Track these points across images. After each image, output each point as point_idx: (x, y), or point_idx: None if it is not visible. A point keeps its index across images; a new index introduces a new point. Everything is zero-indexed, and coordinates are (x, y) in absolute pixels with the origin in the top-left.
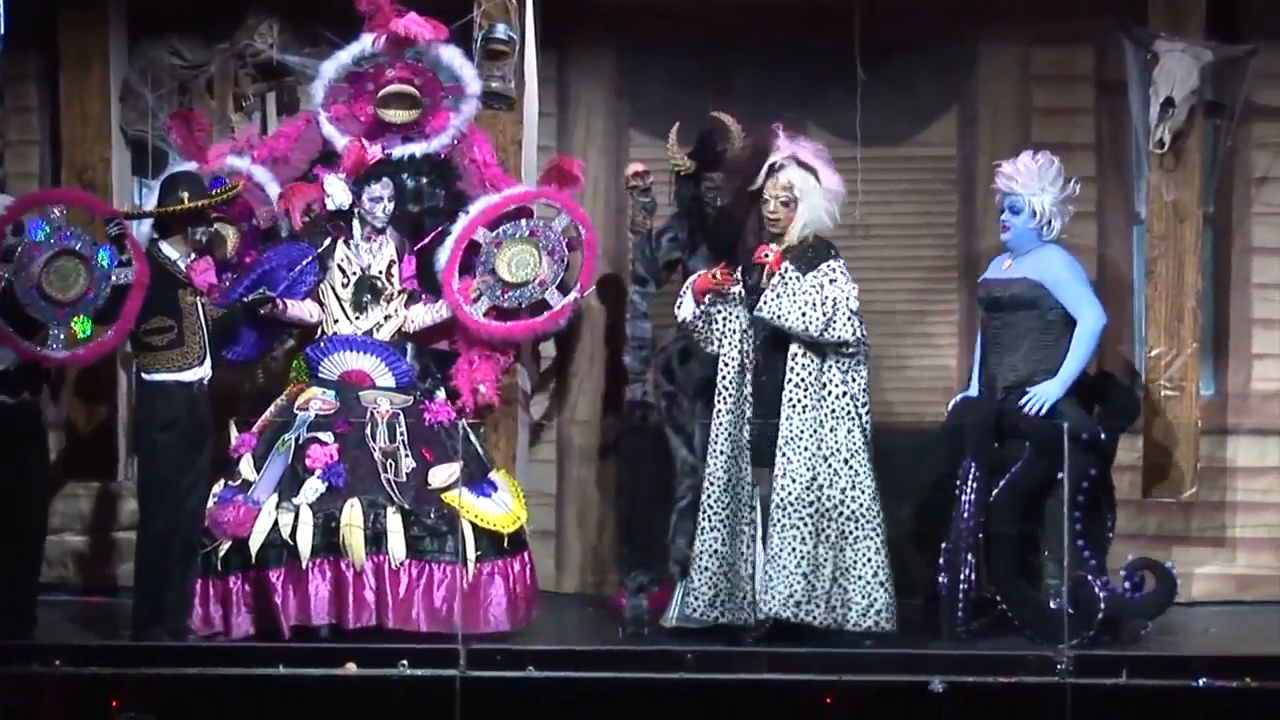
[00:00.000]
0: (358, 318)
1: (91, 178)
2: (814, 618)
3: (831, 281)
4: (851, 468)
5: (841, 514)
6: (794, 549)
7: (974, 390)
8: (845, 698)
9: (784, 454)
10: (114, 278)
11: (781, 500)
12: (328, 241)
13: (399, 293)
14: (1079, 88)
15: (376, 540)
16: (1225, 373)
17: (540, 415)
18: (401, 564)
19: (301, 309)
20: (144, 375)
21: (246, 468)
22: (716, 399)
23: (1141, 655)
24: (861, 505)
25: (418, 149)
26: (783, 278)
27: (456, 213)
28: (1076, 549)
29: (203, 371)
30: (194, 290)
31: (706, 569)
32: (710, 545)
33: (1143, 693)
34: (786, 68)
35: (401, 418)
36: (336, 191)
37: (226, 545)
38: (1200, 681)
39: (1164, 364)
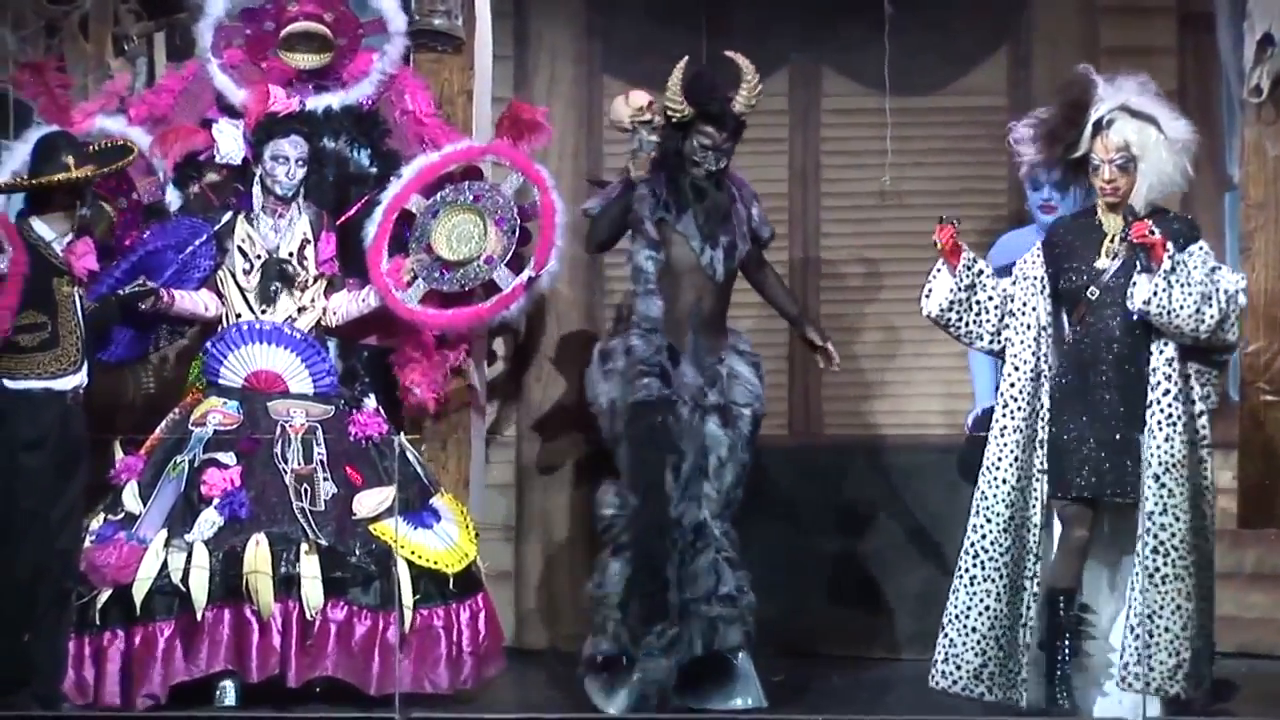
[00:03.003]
0: (264, 311)
1: None
2: (1204, 685)
3: (1216, 270)
4: (1198, 508)
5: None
6: (1179, 606)
7: (989, 400)
8: None
9: (1164, 486)
10: None
11: (1163, 545)
12: (227, 216)
13: (315, 279)
14: (1156, 22)
15: (287, 585)
16: None
17: (492, 428)
18: (316, 614)
19: (194, 300)
20: (6, 382)
21: (131, 498)
22: (1002, 413)
23: None
24: (1204, 555)
25: (335, 100)
26: (1173, 262)
27: (387, 178)
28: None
29: (78, 379)
30: (71, 279)
31: (975, 630)
32: (983, 600)
33: None
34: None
35: (320, 432)
36: (225, 140)
37: (106, 594)
38: None
39: (1264, 363)
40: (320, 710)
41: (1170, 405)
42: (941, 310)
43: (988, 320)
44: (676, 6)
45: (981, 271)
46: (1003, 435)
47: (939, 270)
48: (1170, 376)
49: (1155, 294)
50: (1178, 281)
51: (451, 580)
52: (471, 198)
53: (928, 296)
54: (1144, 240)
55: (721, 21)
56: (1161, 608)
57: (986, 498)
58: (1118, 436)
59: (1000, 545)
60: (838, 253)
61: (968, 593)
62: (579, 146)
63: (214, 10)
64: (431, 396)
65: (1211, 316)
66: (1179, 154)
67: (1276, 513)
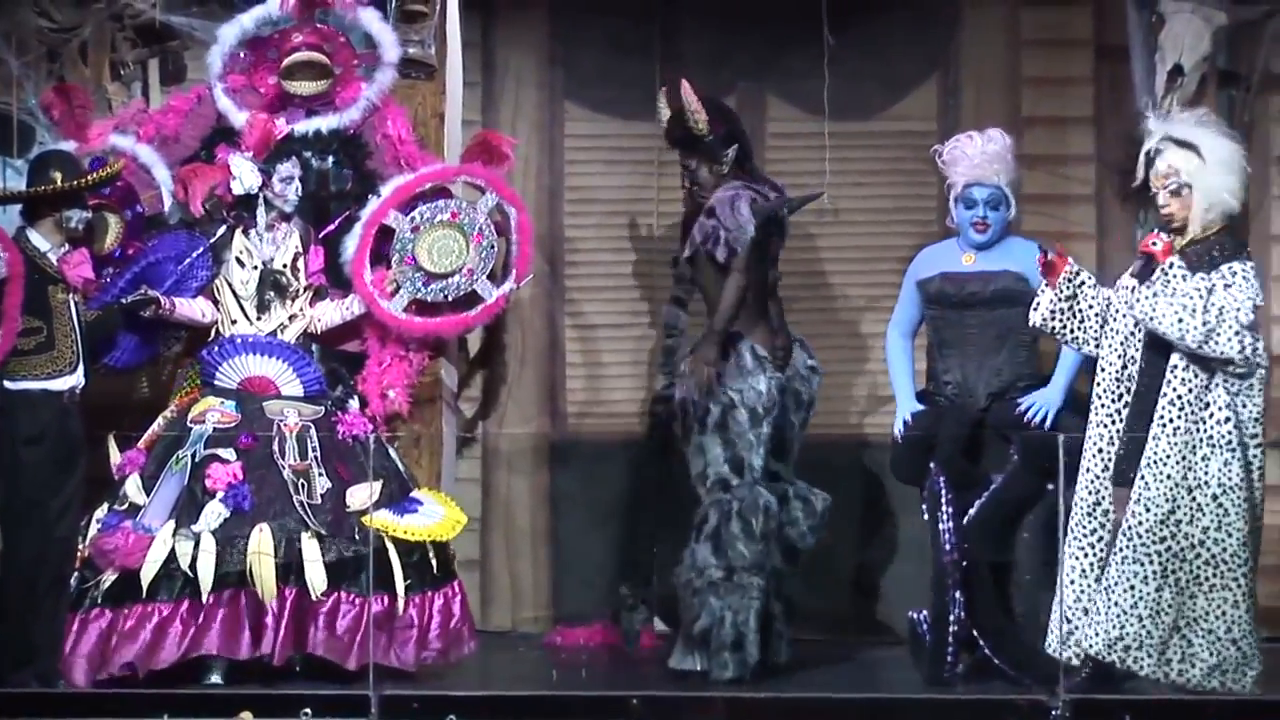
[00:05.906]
0: (259, 318)
1: None
2: (1140, 665)
3: (1226, 286)
4: (1221, 506)
5: (1199, 556)
6: (1133, 586)
7: (912, 402)
8: None
9: (1143, 478)
10: None
11: (1130, 529)
12: (223, 230)
13: (305, 289)
14: (1075, 54)
15: (289, 570)
16: None
17: (461, 425)
18: (321, 596)
19: (192, 308)
20: (6, 383)
21: (134, 489)
22: (1096, 405)
23: (1149, 700)
24: (1225, 550)
25: (324, 123)
26: (1165, 273)
27: (366, 196)
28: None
29: (74, 379)
30: (66, 286)
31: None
32: (1067, 576)
33: None
34: (743, 30)
35: (313, 431)
36: (244, 173)
37: (113, 578)
38: None
39: None
40: (299, 687)
41: (1165, 410)
42: (1045, 320)
43: (1090, 325)
44: (633, 38)
45: (1084, 283)
46: (1098, 427)
47: (1044, 287)
48: (1175, 383)
49: (1141, 298)
50: (1165, 291)
51: (435, 566)
52: (449, 215)
53: (1035, 309)
54: (1147, 249)
55: (674, 51)
56: (1124, 580)
57: (1079, 485)
58: (1141, 431)
59: (1085, 528)
60: (781, 266)
61: (1063, 573)
62: (541, 166)
63: (226, 39)
64: (406, 402)
65: (1196, 327)
66: (1225, 175)
67: None
